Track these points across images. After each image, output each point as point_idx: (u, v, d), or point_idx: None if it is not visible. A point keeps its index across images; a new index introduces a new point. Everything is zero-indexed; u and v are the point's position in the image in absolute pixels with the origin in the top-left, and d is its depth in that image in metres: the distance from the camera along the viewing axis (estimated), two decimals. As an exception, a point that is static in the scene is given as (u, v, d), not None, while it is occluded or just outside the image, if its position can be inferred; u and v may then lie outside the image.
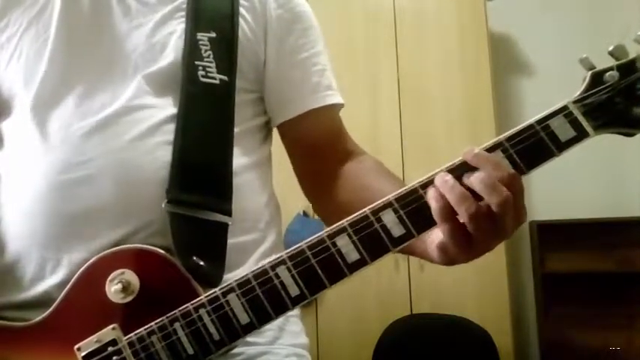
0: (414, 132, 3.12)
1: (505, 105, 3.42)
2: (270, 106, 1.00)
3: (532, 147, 0.73)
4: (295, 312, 0.97)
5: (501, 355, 2.53)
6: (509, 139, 0.74)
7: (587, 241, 3.28)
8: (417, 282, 3.00)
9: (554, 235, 3.32)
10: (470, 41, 3.17)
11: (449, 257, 0.75)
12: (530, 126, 0.74)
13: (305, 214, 2.90)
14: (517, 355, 3.04)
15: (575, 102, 0.75)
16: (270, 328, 0.90)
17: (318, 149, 1.03)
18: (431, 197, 0.72)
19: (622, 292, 3.18)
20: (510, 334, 2.90)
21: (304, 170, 1.06)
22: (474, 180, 0.70)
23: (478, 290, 2.94)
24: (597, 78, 0.76)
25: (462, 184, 0.71)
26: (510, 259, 3.05)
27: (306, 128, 1.01)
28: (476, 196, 0.70)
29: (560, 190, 3.40)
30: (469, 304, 2.88)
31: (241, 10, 0.96)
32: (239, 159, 0.91)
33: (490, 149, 0.74)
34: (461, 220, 0.70)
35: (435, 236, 0.77)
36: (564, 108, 0.75)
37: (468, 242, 0.71)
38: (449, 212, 0.70)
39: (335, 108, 1.04)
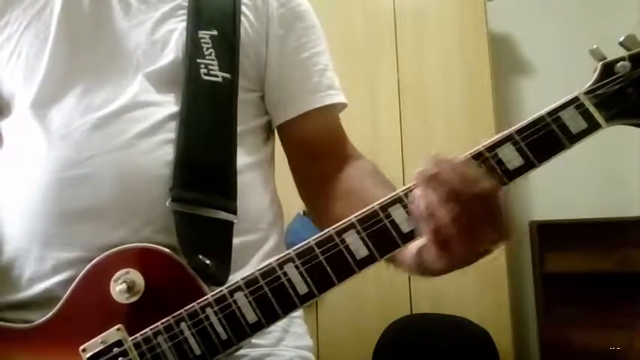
0: (414, 132, 3.11)
1: (505, 105, 3.42)
2: (270, 105, 1.00)
3: (543, 139, 0.72)
4: (299, 313, 0.97)
5: (501, 355, 2.53)
6: (520, 131, 0.73)
7: (587, 241, 3.27)
8: (417, 282, 2.99)
9: (554, 235, 3.31)
10: (470, 41, 3.16)
11: (426, 265, 0.74)
12: (541, 118, 0.73)
13: (305, 214, 2.89)
14: (517, 355, 3.03)
15: (586, 93, 0.74)
16: (274, 329, 0.89)
17: (317, 150, 1.02)
18: (417, 194, 0.71)
19: (622, 292, 3.17)
20: (510, 334, 2.90)
21: (301, 172, 1.05)
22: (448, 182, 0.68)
23: (478, 290, 2.93)
24: (608, 68, 0.74)
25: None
26: (510, 259, 3.04)
27: (306, 129, 1.01)
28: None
29: (560, 190, 3.40)
30: (469, 304, 2.87)
31: (243, 8, 0.96)
32: (242, 158, 0.91)
33: (500, 142, 0.73)
34: (443, 221, 0.68)
35: (415, 244, 0.75)
36: (575, 99, 0.73)
37: (446, 248, 0.69)
38: (430, 213, 0.69)
39: (336, 108, 1.03)
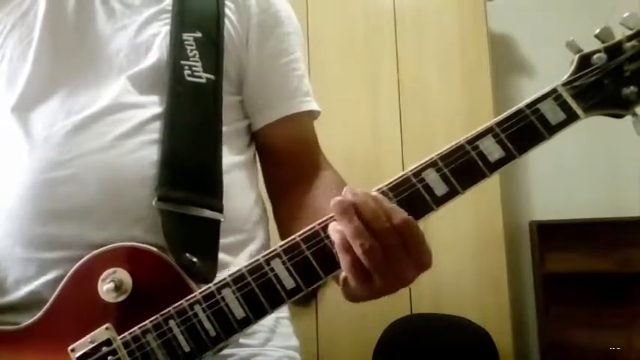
0: (414, 132, 3.11)
1: (505, 105, 3.39)
2: (249, 109, 1.00)
3: (523, 131, 0.73)
4: (286, 314, 0.97)
5: (501, 355, 2.54)
6: (500, 123, 0.74)
7: (587, 241, 3.27)
8: (417, 282, 2.98)
9: (554, 235, 3.31)
10: (470, 41, 3.16)
11: (351, 291, 0.74)
12: (520, 110, 0.74)
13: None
14: (517, 355, 3.03)
15: (564, 85, 0.75)
16: (261, 329, 0.90)
17: (288, 157, 1.02)
18: (332, 229, 0.71)
19: (622, 292, 3.17)
20: (510, 334, 2.89)
21: (273, 181, 1.05)
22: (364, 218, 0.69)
23: (478, 290, 2.93)
24: (585, 60, 0.76)
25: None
26: (510, 259, 3.04)
27: (284, 133, 1.01)
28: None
29: (560, 190, 3.40)
30: (469, 304, 2.87)
31: (227, 11, 0.97)
32: (227, 158, 0.91)
33: (481, 134, 0.74)
34: (357, 254, 0.68)
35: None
36: (553, 91, 0.75)
37: (366, 278, 0.70)
38: (347, 244, 0.69)
39: (312, 115, 1.04)
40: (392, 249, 0.68)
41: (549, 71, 3.40)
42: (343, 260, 0.70)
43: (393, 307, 2.90)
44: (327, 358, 2.89)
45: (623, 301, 3.16)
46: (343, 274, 0.73)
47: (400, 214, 0.69)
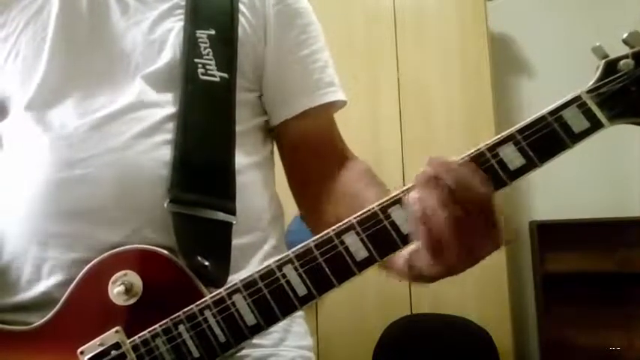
0: (414, 132, 3.11)
1: (505, 105, 3.42)
2: (269, 105, 0.99)
3: (545, 139, 0.70)
4: (300, 313, 0.96)
5: (501, 355, 2.53)
6: (521, 131, 0.71)
7: (587, 241, 3.27)
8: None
9: (554, 235, 3.31)
10: (470, 41, 3.16)
11: (420, 270, 0.72)
12: (543, 117, 0.71)
13: (304, 214, 2.89)
14: (517, 355, 3.03)
15: (588, 92, 0.71)
16: (275, 329, 0.88)
17: (316, 150, 1.01)
18: (411, 198, 0.69)
19: (622, 292, 3.17)
20: (510, 334, 2.89)
21: (299, 172, 1.03)
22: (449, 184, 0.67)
23: (478, 290, 2.93)
24: (611, 66, 0.72)
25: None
26: (510, 259, 3.04)
27: (306, 127, 1.00)
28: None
29: (560, 190, 3.40)
30: (469, 304, 2.87)
31: (241, 7, 0.96)
32: (241, 158, 0.90)
33: (501, 142, 0.71)
34: (438, 224, 0.66)
35: (407, 249, 0.74)
36: (577, 98, 0.71)
37: (441, 252, 0.68)
38: (427, 215, 0.67)
39: (336, 105, 1.02)
40: (473, 221, 0.66)
41: (549, 71, 3.44)
42: (422, 231, 0.68)
43: (393, 307, 2.89)
44: (327, 358, 2.88)
45: (623, 301, 3.16)
46: (408, 254, 0.72)
47: (485, 187, 0.67)
